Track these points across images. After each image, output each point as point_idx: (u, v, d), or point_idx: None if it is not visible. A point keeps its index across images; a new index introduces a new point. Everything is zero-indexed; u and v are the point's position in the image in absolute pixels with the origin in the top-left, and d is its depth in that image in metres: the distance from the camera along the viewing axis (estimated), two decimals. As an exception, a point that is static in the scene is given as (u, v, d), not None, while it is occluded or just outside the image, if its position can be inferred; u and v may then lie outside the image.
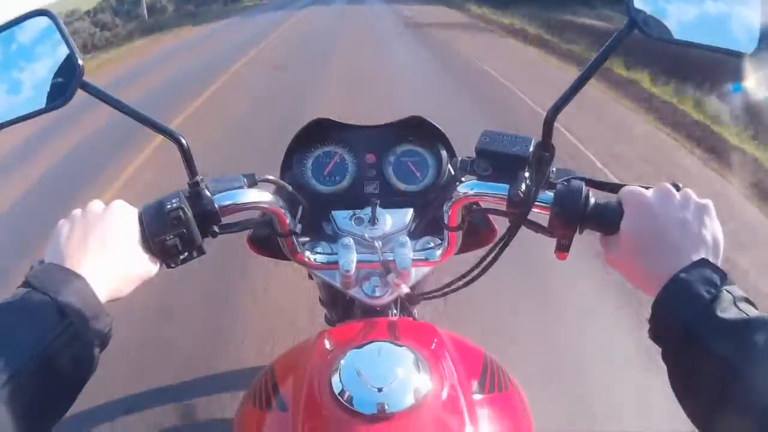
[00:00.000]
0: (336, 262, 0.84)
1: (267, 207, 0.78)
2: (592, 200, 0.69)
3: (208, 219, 0.73)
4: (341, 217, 0.91)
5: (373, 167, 0.96)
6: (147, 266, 0.70)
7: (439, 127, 0.96)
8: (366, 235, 0.88)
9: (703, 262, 0.59)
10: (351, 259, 0.83)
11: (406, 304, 0.90)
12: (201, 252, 0.73)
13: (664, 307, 0.59)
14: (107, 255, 0.66)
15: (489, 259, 0.78)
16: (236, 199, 0.74)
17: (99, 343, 0.62)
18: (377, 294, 0.86)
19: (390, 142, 0.98)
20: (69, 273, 0.62)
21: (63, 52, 0.73)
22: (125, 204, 0.71)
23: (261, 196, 0.77)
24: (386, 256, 0.85)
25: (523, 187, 0.69)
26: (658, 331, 0.60)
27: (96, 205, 0.70)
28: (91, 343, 0.61)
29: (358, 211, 0.91)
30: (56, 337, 0.57)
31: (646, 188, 0.67)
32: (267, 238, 0.87)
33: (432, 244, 0.88)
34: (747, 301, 0.57)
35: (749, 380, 0.51)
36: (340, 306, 0.93)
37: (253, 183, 0.79)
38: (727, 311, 0.55)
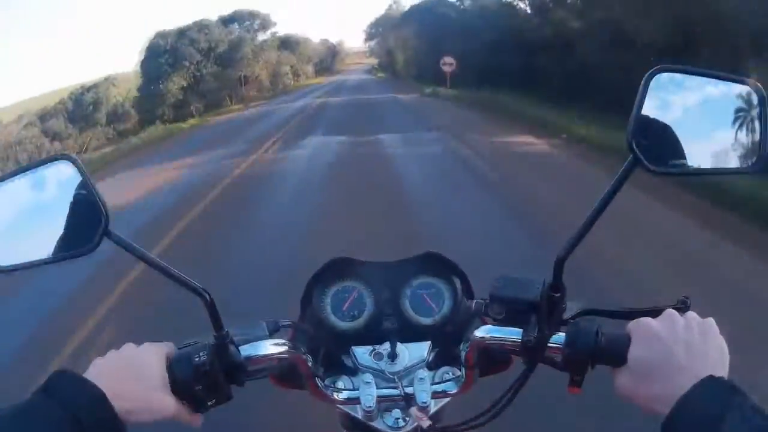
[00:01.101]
0: (357, 398, 0.86)
1: (289, 355, 0.81)
2: (602, 338, 0.71)
3: (235, 369, 0.76)
4: (361, 353, 0.93)
5: (390, 302, 0.98)
6: (170, 406, 0.71)
7: (454, 261, 0.99)
8: (386, 371, 0.90)
9: (710, 380, 0.61)
10: (372, 395, 0.85)
11: (426, 430, 0.89)
12: (229, 398, 0.75)
13: (673, 429, 0.60)
14: (132, 386, 0.67)
15: (506, 398, 0.80)
16: (260, 350, 0.78)
17: None
18: (399, 425, 0.87)
19: (406, 275, 1.00)
20: (87, 384, 0.62)
21: (87, 197, 0.73)
22: (155, 349, 0.73)
23: (283, 344, 0.81)
24: (406, 390, 0.86)
25: (536, 332, 0.73)
26: None
27: (129, 347, 0.72)
28: None
29: (377, 347, 0.92)
30: None
31: (655, 314, 0.70)
32: (288, 374, 0.89)
33: (450, 375, 0.90)
34: (756, 411, 0.57)
35: None
36: (362, 430, 0.92)
37: (274, 329, 0.83)
38: (737, 427, 0.56)
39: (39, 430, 0.57)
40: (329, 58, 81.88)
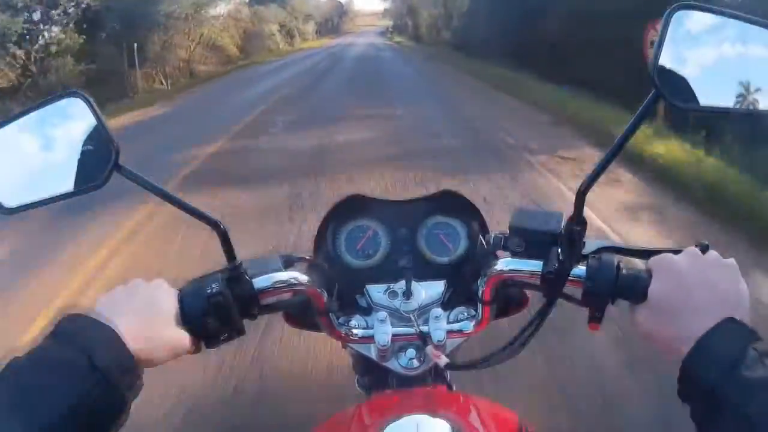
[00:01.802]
0: (371, 336, 0.85)
1: (303, 288, 0.80)
2: (623, 272, 0.70)
3: (248, 302, 0.75)
4: (375, 291, 0.92)
5: (406, 240, 0.98)
6: (182, 342, 0.70)
7: (471, 200, 0.97)
8: (401, 309, 0.89)
9: (730, 321, 0.60)
10: (386, 333, 0.84)
11: (441, 371, 0.90)
12: (241, 332, 0.75)
13: (691, 369, 0.60)
14: (144, 322, 0.66)
15: (527, 334, 0.79)
16: (274, 281, 0.77)
17: (130, 396, 0.62)
18: (413, 365, 0.87)
19: (422, 214, 0.99)
20: (100, 324, 0.61)
21: (97, 133, 0.72)
22: (166, 284, 0.73)
23: (297, 277, 0.79)
24: (421, 328, 0.85)
25: (556, 264, 0.72)
26: (686, 392, 0.61)
27: (138, 281, 0.71)
28: (123, 396, 0.60)
29: (392, 284, 0.91)
30: (87, 392, 0.56)
31: (676, 252, 0.69)
32: (302, 312, 0.88)
33: (466, 315, 0.89)
34: None
35: None
36: (375, 373, 0.92)
37: (289, 263, 0.82)
38: (754, 369, 0.55)
39: (54, 375, 0.57)
40: (336, 17, 73.54)
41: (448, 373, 0.91)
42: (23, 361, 0.57)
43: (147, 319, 0.67)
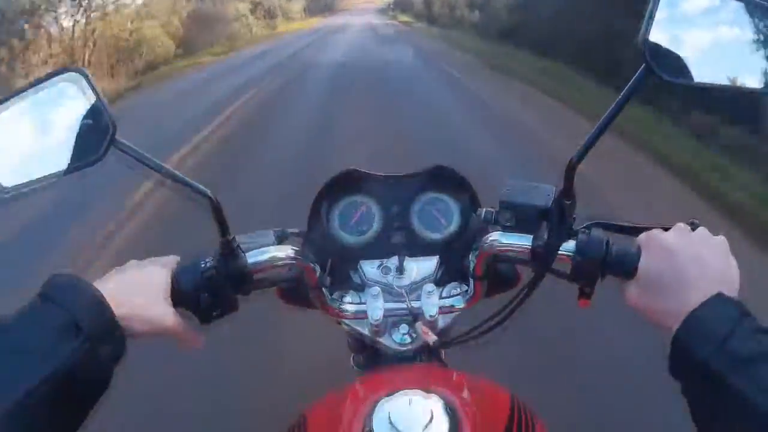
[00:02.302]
0: (364, 312, 0.86)
1: (296, 263, 0.81)
2: (613, 248, 0.71)
3: (241, 277, 0.75)
4: (369, 267, 0.93)
5: (399, 216, 0.98)
6: (171, 317, 0.71)
7: (463, 175, 0.98)
8: (393, 285, 0.90)
9: (719, 297, 0.61)
10: (379, 309, 0.85)
11: (434, 349, 0.90)
12: (234, 308, 0.76)
13: (681, 344, 0.61)
14: (133, 295, 0.67)
15: (513, 305, 0.81)
16: (267, 257, 0.77)
17: (114, 360, 0.62)
18: (406, 341, 0.87)
19: (415, 190, 1.00)
20: (87, 287, 0.62)
21: (95, 109, 0.73)
22: (159, 261, 0.73)
23: (290, 251, 0.80)
24: (414, 304, 0.86)
25: (546, 238, 0.73)
26: (677, 368, 0.62)
27: (133, 262, 0.72)
28: (106, 360, 0.61)
29: (385, 260, 0.92)
30: (71, 354, 0.57)
31: (666, 229, 0.70)
32: (296, 289, 0.89)
33: (458, 291, 0.90)
34: (765, 331, 0.58)
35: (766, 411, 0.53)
36: (369, 351, 0.93)
37: (282, 238, 0.83)
38: (744, 344, 0.56)
39: (38, 336, 0.57)
40: None
41: (443, 351, 0.91)
42: (9, 321, 0.58)
43: (136, 290, 0.68)
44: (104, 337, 0.60)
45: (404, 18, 36.10)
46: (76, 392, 0.58)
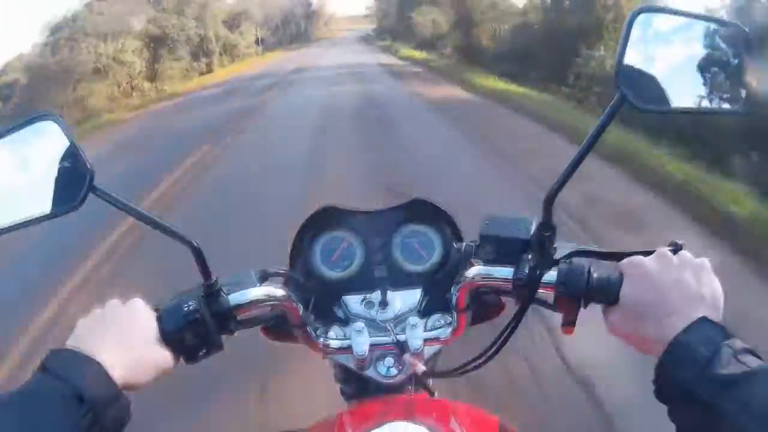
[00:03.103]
0: (349, 347, 0.86)
1: (279, 302, 0.82)
2: (594, 276, 0.72)
3: (225, 318, 0.76)
4: (352, 301, 0.93)
5: (381, 250, 0.98)
6: (165, 360, 0.72)
7: (442, 207, 0.98)
8: (377, 318, 0.90)
9: (702, 321, 0.62)
10: (364, 343, 0.85)
11: (421, 379, 0.90)
12: (219, 348, 0.76)
13: (665, 371, 0.61)
14: (124, 346, 0.67)
15: (501, 340, 0.81)
16: (250, 297, 0.78)
17: (119, 427, 0.62)
18: (392, 374, 0.87)
19: (395, 223, 1.00)
20: (85, 358, 0.62)
21: (71, 154, 0.72)
22: (143, 303, 0.73)
23: (273, 292, 0.81)
24: (398, 337, 0.86)
25: (527, 270, 0.73)
26: (663, 393, 0.62)
27: (114, 302, 0.72)
28: (111, 428, 0.61)
29: (368, 294, 0.93)
30: (76, 427, 0.57)
31: (647, 254, 0.71)
32: (280, 326, 0.89)
33: (442, 323, 0.90)
34: (749, 352, 0.59)
35: None
36: (355, 382, 0.93)
37: (264, 277, 0.82)
38: (728, 366, 0.57)
39: (42, 410, 0.57)
40: (302, 19, 53.26)
41: (430, 380, 0.92)
42: (11, 397, 0.58)
43: (128, 343, 0.68)
44: (108, 405, 0.60)
45: (408, 52, 24.03)
46: None
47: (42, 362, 0.62)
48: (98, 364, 0.62)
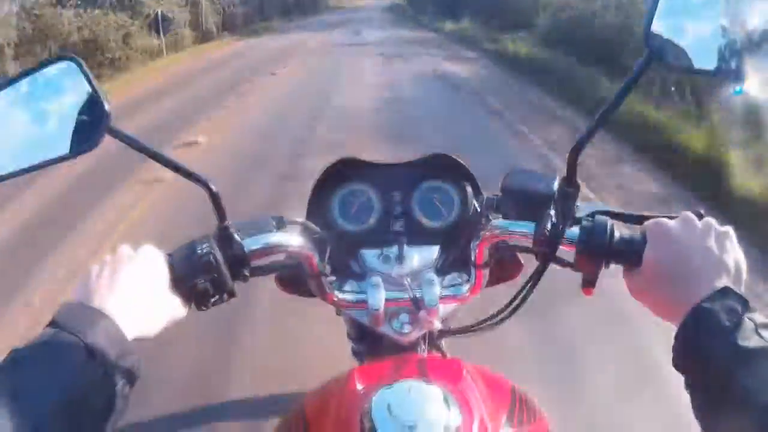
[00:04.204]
0: (364, 301, 0.85)
1: (295, 250, 0.80)
2: (617, 235, 0.70)
3: (239, 263, 0.74)
4: (369, 255, 0.92)
5: (399, 204, 0.97)
6: (176, 307, 0.71)
7: (464, 163, 0.97)
8: (394, 274, 0.89)
9: (725, 290, 0.60)
10: (379, 298, 0.84)
11: (434, 338, 0.90)
12: (232, 295, 0.75)
13: (686, 337, 0.60)
14: (135, 296, 0.67)
15: (519, 299, 0.79)
16: (265, 243, 0.77)
17: (127, 383, 0.62)
18: (406, 331, 0.86)
19: (415, 178, 0.99)
20: (96, 312, 0.62)
21: (90, 97, 0.72)
22: (154, 248, 0.72)
23: (289, 239, 0.79)
24: (415, 293, 0.85)
25: (549, 225, 0.72)
26: (681, 361, 0.61)
27: (125, 249, 0.71)
28: (120, 383, 0.60)
29: (385, 249, 0.91)
30: (85, 380, 0.57)
31: (670, 218, 0.69)
32: (295, 277, 0.88)
33: (459, 280, 0.89)
34: (767, 327, 0.57)
35: None
36: (368, 340, 0.92)
37: (281, 225, 0.81)
38: (749, 339, 0.55)
39: (52, 364, 0.57)
40: None
41: (443, 341, 0.91)
42: (23, 351, 0.58)
43: (139, 292, 0.67)
44: (118, 361, 0.60)
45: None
46: (92, 418, 0.58)
47: (53, 316, 0.61)
48: (108, 317, 0.62)
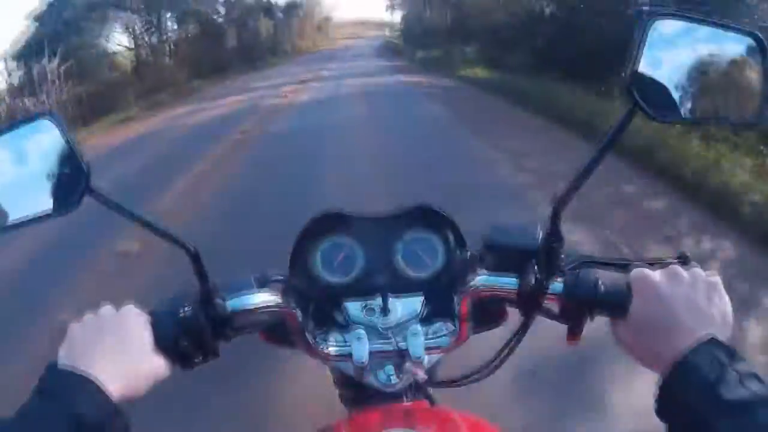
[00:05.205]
0: (349, 354, 0.84)
1: (277, 309, 0.80)
2: (601, 287, 0.70)
3: (221, 323, 0.74)
4: (353, 308, 0.91)
5: (383, 256, 0.97)
6: (160, 368, 0.71)
7: (447, 214, 0.96)
8: (378, 325, 0.88)
9: (711, 341, 0.60)
10: (364, 351, 0.83)
11: (422, 387, 0.89)
12: (215, 355, 0.74)
13: (670, 388, 0.60)
14: (119, 357, 0.66)
15: (505, 352, 0.80)
16: (247, 303, 0.77)
17: None
18: (392, 382, 0.86)
19: (398, 229, 0.98)
20: (81, 378, 0.61)
21: (68, 156, 0.72)
22: (136, 309, 0.72)
23: (271, 297, 0.79)
24: (399, 344, 0.85)
25: (533, 280, 0.72)
26: (664, 410, 0.61)
27: (107, 309, 0.71)
28: None
29: (369, 301, 0.91)
30: None
31: (655, 264, 0.69)
32: (280, 329, 0.87)
33: (444, 330, 0.88)
34: (754, 377, 0.57)
35: None
36: (355, 389, 0.91)
37: (263, 283, 0.81)
38: (733, 391, 0.56)
39: None
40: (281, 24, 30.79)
41: (430, 388, 0.90)
42: (8, 423, 0.58)
43: (123, 354, 0.67)
44: (106, 425, 0.60)
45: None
46: None
47: (40, 382, 0.61)
48: (93, 382, 0.61)
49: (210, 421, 2.46)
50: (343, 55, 25.81)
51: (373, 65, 20.77)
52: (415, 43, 23.47)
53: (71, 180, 0.70)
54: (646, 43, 0.67)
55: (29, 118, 0.74)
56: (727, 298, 0.66)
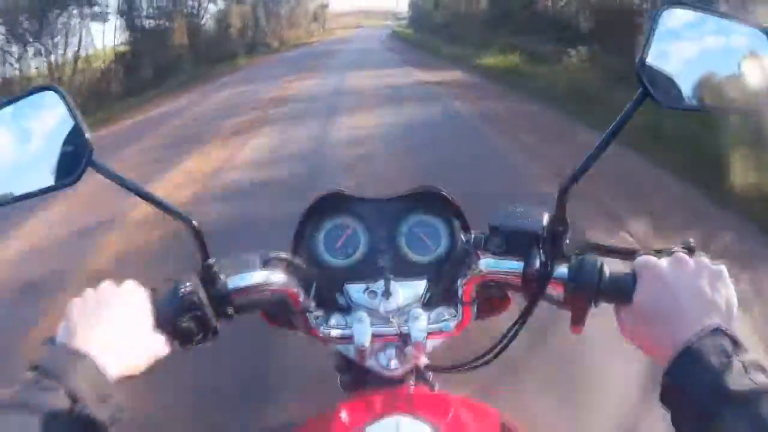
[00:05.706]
0: (350, 336, 0.84)
1: (279, 288, 0.79)
2: (606, 273, 0.69)
3: (222, 302, 0.73)
4: (355, 291, 0.90)
5: (386, 239, 0.96)
6: (159, 346, 0.70)
7: (452, 198, 0.96)
8: (380, 309, 0.87)
9: (716, 330, 0.60)
10: (365, 334, 0.82)
11: (422, 371, 0.89)
12: (215, 333, 0.74)
13: (674, 377, 0.59)
14: (118, 334, 0.66)
15: (507, 338, 0.78)
16: (249, 281, 0.76)
17: (111, 422, 0.61)
18: (393, 366, 0.85)
19: (402, 213, 0.97)
20: (78, 355, 0.61)
21: (72, 128, 0.71)
22: (137, 285, 0.71)
23: (273, 276, 0.79)
24: (401, 328, 0.84)
25: (537, 264, 0.71)
26: (668, 399, 0.60)
27: (108, 285, 0.70)
28: (104, 425, 0.60)
29: (371, 284, 0.90)
30: (67, 426, 0.56)
31: (660, 252, 0.69)
32: (281, 310, 0.87)
33: (446, 315, 0.87)
34: (759, 368, 0.57)
35: None
36: (355, 373, 0.91)
37: (266, 261, 0.80)
38: (738, 382, 0.55)
39: (39, 409, 0.56)
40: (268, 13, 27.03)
41: (431, 373, 0.90)
42: (6, 400, 0.57)
43: (121, 331, 0.66)
44: (102, 403, 0.59)
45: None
46: None
47: (35, 361, 0.60)
48: (91, 360, 0.61)
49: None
50: (347, 49, 21.93)
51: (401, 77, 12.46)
52: (429, 33, 18.46)
53: (75, 152, 0.70)
54: (656, 33, 0.68)
55: (31, 90, 0.74)
56: (732, 287, 0.66)
